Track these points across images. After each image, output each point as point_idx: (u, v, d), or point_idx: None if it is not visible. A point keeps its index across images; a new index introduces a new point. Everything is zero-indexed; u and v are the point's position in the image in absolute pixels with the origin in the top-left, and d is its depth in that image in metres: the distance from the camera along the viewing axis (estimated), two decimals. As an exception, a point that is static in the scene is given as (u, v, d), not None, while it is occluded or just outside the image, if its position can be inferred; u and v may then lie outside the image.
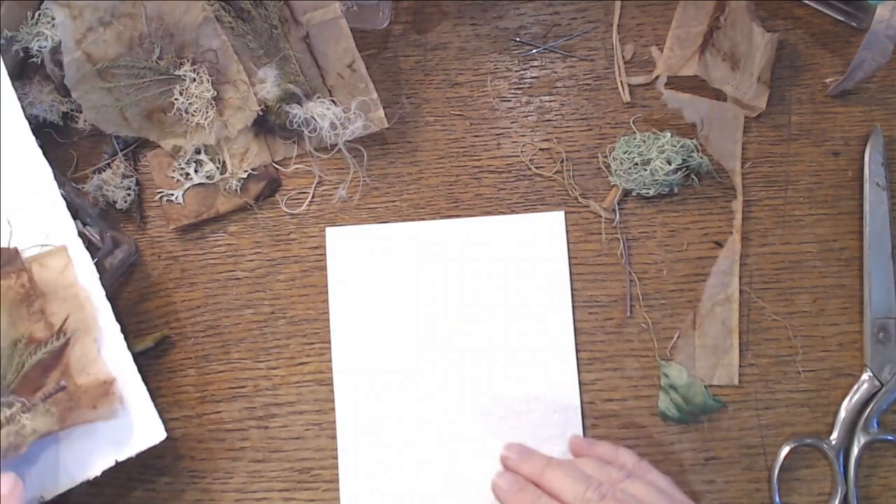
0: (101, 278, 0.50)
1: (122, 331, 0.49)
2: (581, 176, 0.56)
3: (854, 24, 0.57)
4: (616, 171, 0.55)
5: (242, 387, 0.54)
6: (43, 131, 0.55)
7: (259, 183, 0.56)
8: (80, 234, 0.51)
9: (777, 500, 0.51)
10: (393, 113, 0.57)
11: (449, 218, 0.56)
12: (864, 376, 0.52)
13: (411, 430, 0.53)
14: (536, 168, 0.56)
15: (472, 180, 0.56)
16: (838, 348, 0.53)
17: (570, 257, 0.54)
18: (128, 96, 0.54)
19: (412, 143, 0.57)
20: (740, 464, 0.52)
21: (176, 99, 0.54)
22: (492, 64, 0.58)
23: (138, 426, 0.49)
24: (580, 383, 0.53)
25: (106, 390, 0.48)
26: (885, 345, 0.52)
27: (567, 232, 0.55)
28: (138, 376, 0.49)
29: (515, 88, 0.57)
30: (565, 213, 0.55)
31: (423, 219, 0.56)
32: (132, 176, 0.56)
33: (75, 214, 0.51)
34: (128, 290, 0.56)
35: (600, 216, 0.55)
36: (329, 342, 0.54)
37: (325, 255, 0.55)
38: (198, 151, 0.55)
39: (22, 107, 0.52)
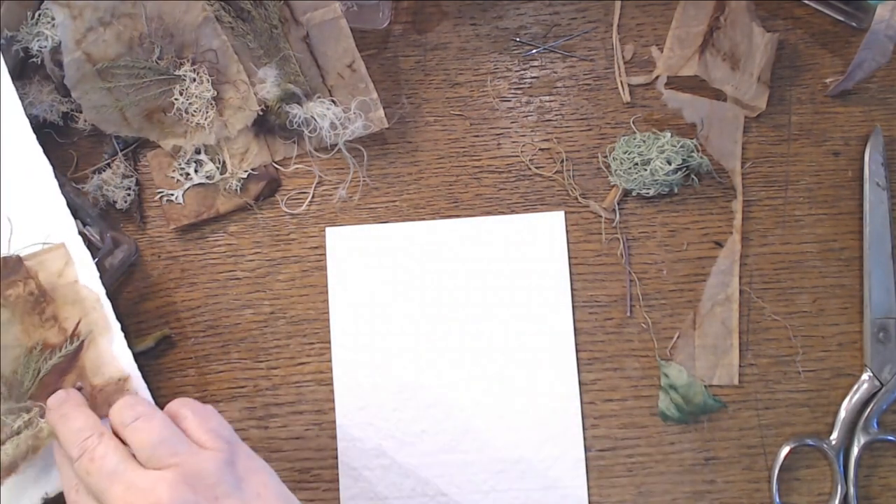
0: (101, 278, 0.50)
1: (123, 330, 0.49)
2: (581, 176, 0.56)
3: (854, 24, 0.57)
4: (616, 171, 0.55)
5: (242, 387, 0.54)
6: (43, 131, 0.54)
7: (259, 183, 0.56)
8: (80, 234, 0.51)
9: (777, 500, 0.51)
10: (393, 113, 0.57)
11: (449, 218, 0.56)
12: (864, 376, 0.52)
13: (411, 429, 0.53)
14: (536, 168, 0.56)
15: (472, 180, 0.56)
16: (838, 348, 0.53)
17: (570, 257, 0.55)
18: (128, 96, 0.54)
19: (412, 143, 0.57)
20: (740, 464, 0.52)
21: (176, 99, 0.54)
22: (492, 64, 0.58)
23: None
24: (580, 383, 0.53)
25: (121, 387, 0.48)
26: (885, 345, 0.52)
27: (567, 232, 0.55)
28: (139, 374, 0.49)
29: (515, 88, 0.57)
30: (565, 213, 0.55)
31: (423, 219, 0.56)
32: (132, 176, 0.56)
33: (75, 214, 0.51)
34: (128, 290, 0.56)
35: (600, 216, 0.55)
36: (329, 342, 0.54)
37: (325, 255, 0.55)
38: (198, 151, 0.55)
39: (22, 107, 0.52)
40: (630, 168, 0.54)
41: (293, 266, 0.56)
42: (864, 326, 0.53)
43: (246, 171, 0.55)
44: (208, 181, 0.55)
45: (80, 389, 0.47)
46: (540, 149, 0.56)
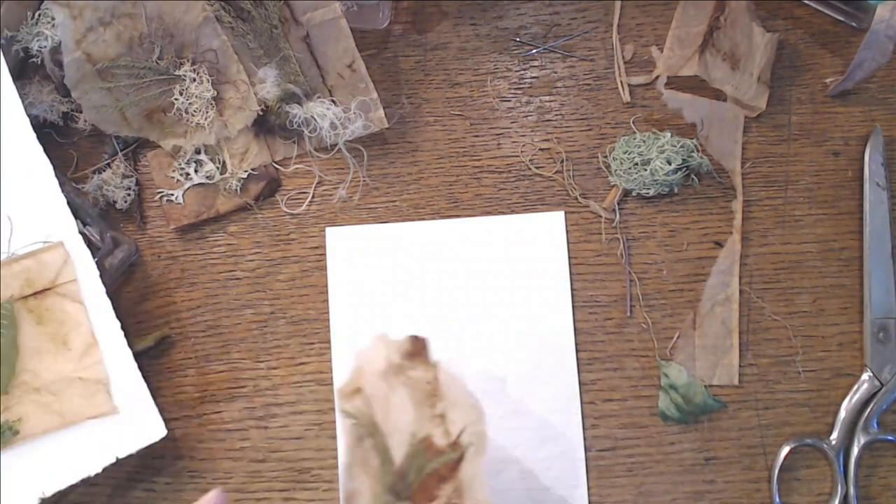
0: (101, 278, 0.50)
1: (123, 330, 0.49)
2: (581, 176, 0.56)
3: (854, 24, 0.57)
4: (616, 171, 0.55)
5: (242, 387, 0.54)
6: (43, 131, 0.54)
7: (259, 183, 0.56)
8: (80, 234, 0.51)
9: (777, 500, 0.51)
10: (393, 113, 0.57)
11: (449, 218, 0.56)
12: (864, 376, 0.52)
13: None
14: (536, 168, 0.56)
15: (472, 180, 0.56)
16: (838, 348, 0.53)
17: (570, 257, 0.55)
18: (128, 96, 0.54)
19: (412, 143, 0.57)
20: (740, 464, 0.52)
21: (176, 99, 0.54)
22: (492, 64, 0.58)
23: (139, 423, 0.49)
24: (580, 383, 0.53)
25: None
26: (885, 345, 0.52)
27: (567, 232, 0.55)
28: (139, 373, 0.49)
29: (515, 88, 0.57)
30: (566, 213, 0.55)
31: (423, 219, 0.56)
32: (132, 176, 0.56)
33: (75, 214, 0.51)
34: (128, 290, 0.56)
35: (600, 216, 0.55)
36: (329, 342, 0.54)
37: (325, 255, 0.55)
38: (198, 151, 0.55)
39: (22, 107, 0.52)
40: (630, 168, 0.54)
41: (293, 266, 0.56)
42: (864, 326, 0.53)
43: (246, 171, 0.55)
44: (208, 181, 0.55)
45: None
46: (540, 149, 0.56)
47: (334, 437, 0.53)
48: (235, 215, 0.56)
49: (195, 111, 0.54)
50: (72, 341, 0.49)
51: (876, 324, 0.52)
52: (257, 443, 0.53)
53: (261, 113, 0.54)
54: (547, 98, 0.57)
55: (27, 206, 0.51)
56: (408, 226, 0.55)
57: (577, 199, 0.55)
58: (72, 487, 0.48)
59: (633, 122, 0.56)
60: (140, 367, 0.49)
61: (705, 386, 0.52)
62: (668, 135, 0.54)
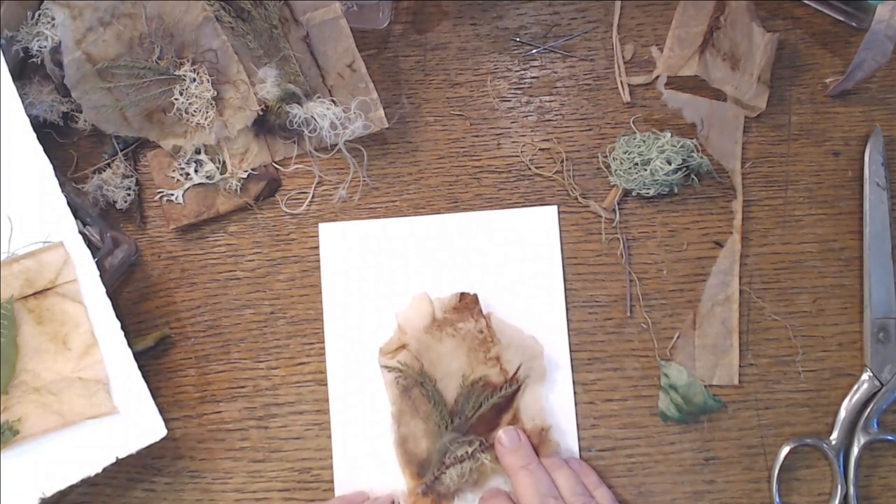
0: (101, 278, 0.50)
1: (123, 330, 0.49)
2: (581, 176, 0.56)
3: (854, 24, 0.57)
4: (616, 171, 0.55)
5: (242, 387, 0.54)
6: (43, 131, 0.54)
7: (259, 183, 0.56)
8: (80, 234, 0.51)
9: (777, 500, 0.51)
10: (393, 113, 0.57)
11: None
12: (864, 376, 0.52)
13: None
14: (536, 168, 0.56)
15: (472, 180, 0.56)
16: (838, 348, 0.53)
17: (566, 255, 0.54)
18: (128, 96, 0.54)
19: (412, 143, 0.57)
20: (740, 464, 0.52)
21: (176, 99, 0.54)
22: (492, 64, 0.58)
23: (139, 423, 0.49)
24: (581, 383, 0.53)
25: (544, 437, 0.51)
26: (885, 345, 0.52)
27: (567, 231, 0.55)
28: (138, 373, 0.49)
29: (515, 88, 0.57)
30: (560, 209, 0.55)
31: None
32: (132, 176, 0.56)
33: (75, 214, 0.51)
34: (128, 290, 0.56)
35: (600, 216, 0.55)
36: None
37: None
38: (198, 151, 0.55)
39: (22, 107, 0.52)
40: (630, 168, 0.54)
41: (293, 266, 0.56)
42: (864, 326, 0.53)
43: (246, 171, 0.55)
44: (208, 181, 0.55)
45: None
46: (540, 149, 0.56)
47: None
48: (235, 215, 0.56)
49: (195, 111, 0.54)
50: (72, 341, 0.49)
51: (876, 324, 0.52)
52: (257, 443, 0.53)
53: (261, 113, 0.54)
54: (547, 98, 0.57)
55: (27, 206, 0.51)
56: (400, 221, 0.55)
57: (577, 199, 0.55)
58: (72, 487, 0.48)
59: (633, 122, 0.56)
60: (140, 367, 0.49)
61: (705, 386, 0.52)
62: (668, 135, 0.54)
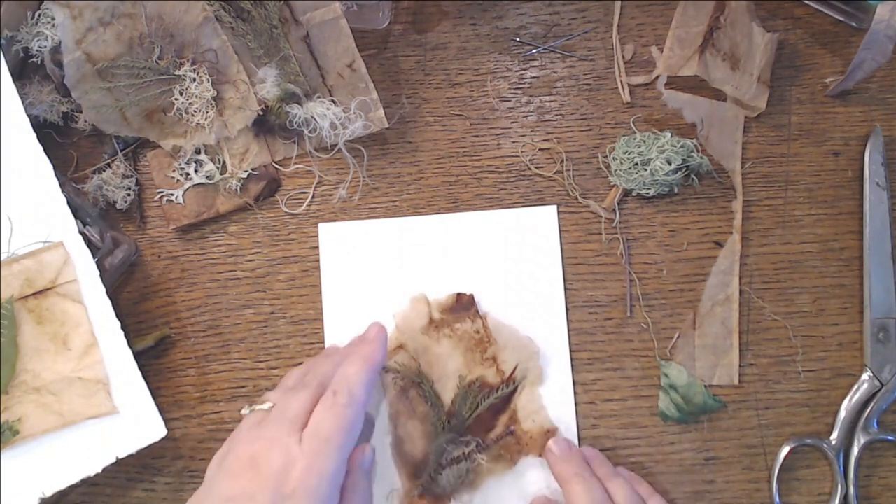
0: (101, 278, 0.50)
1: (123, 330, 0.49)
2: (581, 176, 0.56)
3: (854, 24, 0.57)
4: (616, 171, 0.55)
5: (242, 387, 0.54)
6: (43, 131, 0.54)
7: (259, 183, 0.56)
8: (81, 234, 0.51)
9: (777, 500, 0.51)
10: (393, 113, 0.57)
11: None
12: (864, 376, 0.52)
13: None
14: (536, 168, 0.56)
15: (472, 180, 0.56)
16: (838, 348, 0.53)
17: (566, 255, 0.54)
18: (128, 96, 0.54)
19: (412, 143, 0.57)
20: (740, 464, 0.52)
21: (176, 99, 0.54)
22: (492, 64, 0.58)
23: (139, 423, 0.49)
24: (580, 383, 0.53)
25: (548, 439, 0.50)
26: (885, 345, 0.52)
27: (567, 231, 0.55)
28: (139, 373, 0.49)
29: (515, 88, 0.57)
30: (560, 209, 0.55)
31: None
32: (132, 176, 0.56)
33: (75, 214, 0.51)
34: (128, 290, 0.56)
35: (600, 216, 0.55)
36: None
37: (324, 254, 0.55)
38: (198, 151, 0.55)
39: (22, 107, 0.52)
40: (630, 168, 0.54)
41: (293, 266, 0.56)
42: (864, 326, 0.53)
43: (246, 171, 0.55)
44: (208, 181, 0.55)
45: (511, 433, 0.51)
46: (540, 149, 0.56)
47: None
48: (235, 215, 0.56)
49: (195, 111, 0.54)
50: (72, 341, 0.49)
51: (876, 324, 0.52)
52: (257, 443, 0.53)
53: (261, 113, 0.54)
54: (547, 98, 0.57)
55: (27, 206, 0.51)
56: (399, 221, 0.55)
57: (577, 199, 0.55)
58: (72, 487, 0.48)
59: (633, 122, 0.56)
60: (140, 367, 0.49)
61: (705, 386, 0.52)
62: (668, 135, 0.54)
